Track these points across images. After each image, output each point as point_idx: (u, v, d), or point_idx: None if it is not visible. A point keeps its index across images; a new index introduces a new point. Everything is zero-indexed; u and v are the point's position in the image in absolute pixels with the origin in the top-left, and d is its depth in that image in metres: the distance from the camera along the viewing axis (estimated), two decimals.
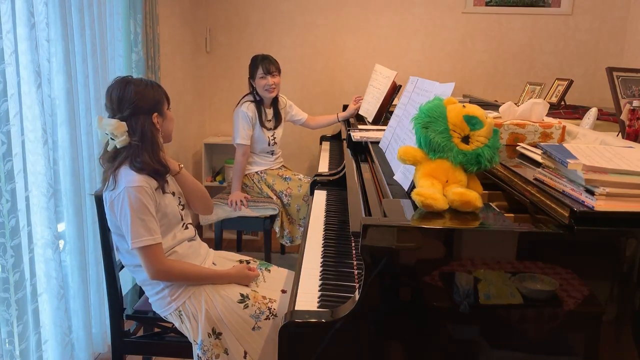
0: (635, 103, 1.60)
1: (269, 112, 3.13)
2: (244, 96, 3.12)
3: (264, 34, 3.93)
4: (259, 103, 3.06)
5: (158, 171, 1.70)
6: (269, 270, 1.94)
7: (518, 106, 1.77)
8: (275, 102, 3.14)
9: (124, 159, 1.67)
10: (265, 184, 3.10)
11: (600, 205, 0.99)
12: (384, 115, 3.02)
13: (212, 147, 4.00)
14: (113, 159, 1.69)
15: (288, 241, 3.09)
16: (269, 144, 3.12)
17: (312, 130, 3.59)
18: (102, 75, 2.34)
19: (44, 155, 1.92)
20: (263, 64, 2.97)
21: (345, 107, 3.53)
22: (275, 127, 3.15)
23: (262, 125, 3.05)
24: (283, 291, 1.82)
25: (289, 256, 3.60)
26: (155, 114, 1.71)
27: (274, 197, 3.05)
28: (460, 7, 3.80)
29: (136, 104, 1.66)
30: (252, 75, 3.03)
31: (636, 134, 1.60)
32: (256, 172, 3.12)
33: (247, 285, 1.79)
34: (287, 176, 3.13)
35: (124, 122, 1.65)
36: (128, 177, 1.63)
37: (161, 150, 1.74)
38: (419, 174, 1.20)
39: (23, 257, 1.82)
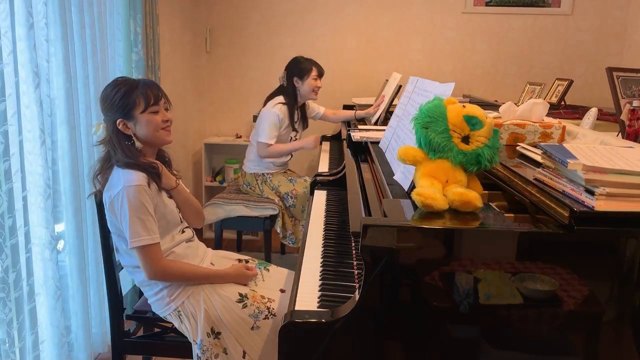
0: (635, 103, 1.60)
1: (296, 115, 3.13)
2: (273, 95, 3.10)
3: (264, 34, 3.92)
4: (292, 105, 3.05)
5: (145, 169, 1.67)
6: (268, 270, 1.94)
7: (518, 106, 1.76)
8: (303, 105, 3.20)
9: (111, 160, 1.70)
10: (268, 186, 3.09)
11: (600, 205, 0.99)
12: (384, 115, 3.02)
13: (212, 147, 3.99)
14: (105, 160, 1.72)
15: (291, 242, 3.09)
16: None
17: (312, 131, 3.59)
18: (102, 76, 2.33)
19: (41, 155, 1.92)
20: (317, 66, 3.04)
21: (345, 107, 3.53)
22: (303, 129, 3.23)
23: (292, 127, 3.09)
24: (282, 291, 1.81)
25: (289, 256, 3.60)
26: (120, 120, 1.66)
27: (276, 199, 3.04)
28: (460, 7, 3.80)
29: (107, 106, 1.67)
30: (300, 75, 3.03)
31: (636, 134, 1.60)
32: (262, 173, 3.12)
33: (245, 285, 1.79)
34: (291, 178, 3.14)
35: (102, 123, 1.71)
36: (126, 176, 1.63)
37: (139, 154, 1.70)
38: (419, 174, 1.20)
39: (20, 257, 1.82)
